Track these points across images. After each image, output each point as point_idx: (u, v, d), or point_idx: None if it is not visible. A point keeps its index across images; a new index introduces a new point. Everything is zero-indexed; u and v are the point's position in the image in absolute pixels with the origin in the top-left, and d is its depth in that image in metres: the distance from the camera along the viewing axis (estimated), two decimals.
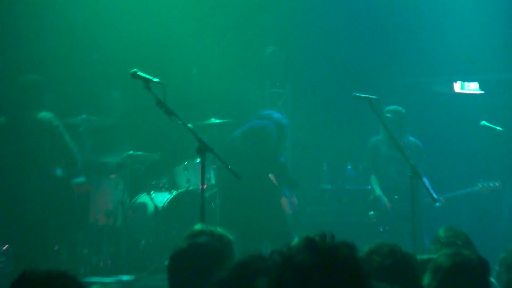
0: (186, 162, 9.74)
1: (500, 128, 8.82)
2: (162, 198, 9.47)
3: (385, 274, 3.37)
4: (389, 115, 8.99)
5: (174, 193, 9.52)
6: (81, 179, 7.57)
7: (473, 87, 11.18)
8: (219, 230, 3.81)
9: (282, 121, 8.90)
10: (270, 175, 8.36)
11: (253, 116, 9.13)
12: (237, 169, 7.44)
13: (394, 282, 3.25)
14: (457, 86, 11.17)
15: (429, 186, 8.29)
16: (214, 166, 9.79)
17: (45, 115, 7.33)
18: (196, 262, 3.57)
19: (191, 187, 9.59)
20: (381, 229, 9.17)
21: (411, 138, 9.46)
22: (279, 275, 2.25)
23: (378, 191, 9.22)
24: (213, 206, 9.65)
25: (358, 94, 7.74)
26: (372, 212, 9.20)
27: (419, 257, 4.21)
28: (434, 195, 8.59)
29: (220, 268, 3.25)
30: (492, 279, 4.25)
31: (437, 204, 9.00)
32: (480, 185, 9.49)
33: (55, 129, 7.32)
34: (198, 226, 3.80)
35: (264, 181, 8.26)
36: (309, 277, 2.22)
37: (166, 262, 8.81)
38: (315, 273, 2.22)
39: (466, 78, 11.16)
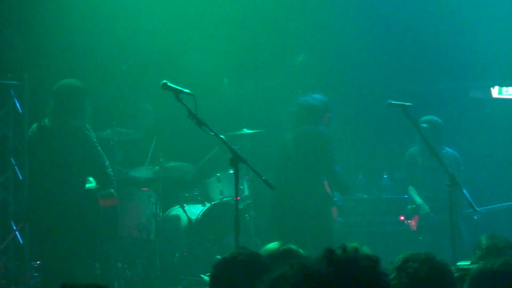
0: (219, 174, 9.68)
1: None
2: (195, 210, 9.42)
3: (422, 281, 3.39)
4: (425, 125, 8.82)
5: (208, 205, 9.46)
6: (109, 191, 7.44)
7: (511, 92, 10.98)
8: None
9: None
10: (324, 182, 8.19)
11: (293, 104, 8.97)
12: (289, 176, 7.41)
13: None
14: (495, 91, 10.97)
15: (469, 197, 8.13)
16: (247, 177, 9.71)
17: (83, 123, 7.24)
18: (238, 272, 3.52)
19: (224, 199, 9.52)
20: (420, 238, 9.02)
21: (448, 149, 9.30)
22: (296, 285, 2.23)
23: (418, 199, 9.07)
24: (247, 217, 9.58)
25: (392, 102, 7.63)
26: (410, 221, 9.06)
27: (458, 263, 4.12)
28: (475, 206, 8.43)
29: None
30: None
31: (475, 217, 8.83)
32: None
33: (91, 139, 7.26)
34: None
35: (317, 188, 8.09)
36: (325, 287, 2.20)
37: (201, 275, 8.81)
38: (332, 283, 2.20)
39: (504, 83, 10.95)
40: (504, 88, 10.96)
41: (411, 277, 3.41)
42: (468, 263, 4.24)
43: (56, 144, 7.11)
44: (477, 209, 8.47)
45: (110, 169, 7.46)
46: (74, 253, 7.05)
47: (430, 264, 3.47)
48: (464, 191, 8.27)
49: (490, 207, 9.21)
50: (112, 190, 7.39)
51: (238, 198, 6.21)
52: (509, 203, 9.33)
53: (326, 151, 8.07)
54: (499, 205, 9.33)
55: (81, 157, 7.15)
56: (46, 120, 7.18)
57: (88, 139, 7.20)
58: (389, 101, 7.64)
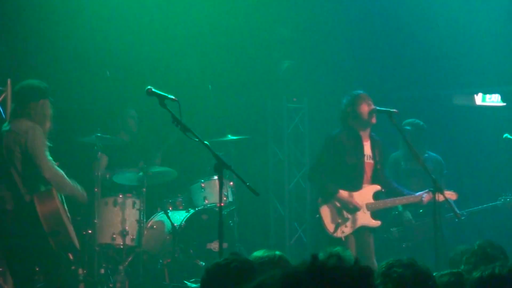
0: (203, 180, 9.66)
1: None
2: (179, 216, 9.40)
3: (407, 285, 3.42)
4: (408, 127, 8.92)
5: (192, 211, 9.43)
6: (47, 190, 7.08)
7: (495, 99, 11.02)
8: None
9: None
10: None
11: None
12: None
13: None
14: (479, 98, 11.01)
15: (451, 201, 8.13)
16: (231, 183, 9.70)
17: (35, 125, 6.97)
18: (231, 278, 3.52)
19: (208, 205, 9.50)
20: (404, 245, 9.02)
21: (431, 153, 9.35)
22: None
23: (400, 207, 9.08)
24: (231, 224, 9.57)
25: (378, 108, 7.68)
26: (394, 228, 9.05)
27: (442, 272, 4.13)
28: (457, 210, 8.43)
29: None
30: None
31: (457, 219, 8.83)
32: (502, 199, 9.33)
33: (37, 139, 6.87)
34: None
35: None
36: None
37: (185, 281, 8.77)
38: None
39: (488, 90, 11.00)
40: (487, 96, 11.01)
41: (396, 282, 3.43)
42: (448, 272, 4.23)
43: (7, 148, 6.88)
44: (458, 213, 8.49)
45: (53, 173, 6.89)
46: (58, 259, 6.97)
47: (414, 269, 3.49)
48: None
49: (470, 209, 9.24)
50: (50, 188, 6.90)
51: (222, 204, 6.19)
52: (490, 204, 9.36)
53: None
54: (480, 207, 9.35)
55: (23, 160, 6.90)
56: (5, 124, 7.04)
57: (34, 139, 6.77)
58: (375, 107, 7.69)
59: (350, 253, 4.63)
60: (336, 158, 7.91)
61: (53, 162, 6.85)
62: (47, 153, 6.80)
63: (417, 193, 8.13)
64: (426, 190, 7.92)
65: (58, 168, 6.87)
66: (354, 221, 7.88)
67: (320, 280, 2.20)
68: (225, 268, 3.55)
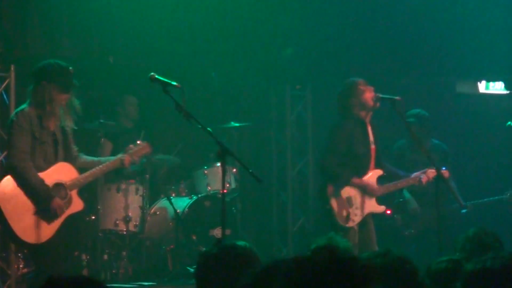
0: (206, 166, 9.68)
1: None
2: (182, 203, 9.41)
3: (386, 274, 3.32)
4: (412, 119, 8.81)
5: (194, 198, 9.45)
6: None
7: (498, 87, 11.00)
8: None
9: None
10: None
11: None
12: None
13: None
14: (482, 86, 10.99)
15: (456, 191, 8.13)
16: (234, 170, 9.71)
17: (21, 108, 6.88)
18: (226, 266, 3.48)
19: (211, 192, 9.52)
20: (406, 233, 9.03)
21: (435, 141, 9.32)
22: (288, 273, 2.30)
23: (406, 194, 9.05)
24: (234, 210, 9.59)
25: (381, 95, 7.65)
26: (398, 216, 9.05)
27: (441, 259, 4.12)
28: (461, 200, 8.44)
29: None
30: None
31: (463, 211, 8.83)
32: (508, 194, 9.28)
33: (10, 124, 6.75)
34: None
35: None
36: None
37: (188, 267, 8.82)
38: (325, 275, 2.25)
39: (491, 78, 10.97)
40: (491, 83, 10.98)
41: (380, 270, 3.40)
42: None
43: None
44: (463, 204, 8.51)
45: (13, 160, 6.65)
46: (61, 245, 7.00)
47: (393, 256, 3.44)
48: (453, 184, 8.30)
49: (475, 201, 9.21)
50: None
51: (225, 191, 6.21)
52: (496, 197, 9.34)
53: None
54: (485, 199, 9.33)
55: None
56: None
57: (11, 125, 6.67)
58: (378, 94, 7.66)
59: (347, 241, 4.59)
60: (346, 148, 7.79)
61: (20, 150, 6.54)
62: (16, 139, 6.56)
63: (413, 175, 8.03)
64: (423, 171, 7.86)
65: (23, 160, 6.55)
66: (362, 208, 7.80)
67: (338, 273, 2.22)
68: (216, 259, 3.51)
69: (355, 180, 7.79)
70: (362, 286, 2.25)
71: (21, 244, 6.97)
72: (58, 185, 6.71)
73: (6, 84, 8.45)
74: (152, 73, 6.02)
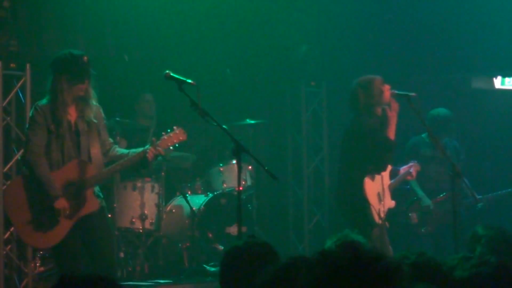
0: (221, 164, 9.68)
1: None
2: (198, 200, 9.42)
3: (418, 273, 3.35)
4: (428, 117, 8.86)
5: (210, 195, 9.45)
6: None
7: None
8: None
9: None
10: None
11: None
12: None
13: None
14: (498, 82, 10.94)
15: (470, 186, 8.11)
16: (250, 167, 9.71)
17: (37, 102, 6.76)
18: (251, 260, 3.51)
19: (227, 189, 9.52)
20: (422, 230, 9.00)
21: (446, 138, 9.29)
22: (312, 267, 2.30)
23: (420, 192, 9.03)
24: (250, 207, 9.59)
25: (396, 91, 7.60)
26: (413, 213, 9.02)
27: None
28: (476, 195, 8.43)
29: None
30: None
31: (479, 205, 8.81)
32: None
33: (29, 119, 6.62)
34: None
35: None
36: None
37: (204, 265, 8.81)
38: (348, 271, 2.25)
39: (507, 74, 10.92)
40: (507, 79, 10.93)
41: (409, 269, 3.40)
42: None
43: None
44: (478, 198, 8.49)
45: (25, 155, 6.49)
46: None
47: (425, 257, 3.47)
48: (466, 180, 8.27)
49: (490, 195, 9.17)
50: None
51: (241, 188, 6.20)
52: (510, 189, 9.29)
53: None
54: (500, 192, 9.29)
55: None
56: None
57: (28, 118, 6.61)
58: (393, 90, 7.62)
59: (362, 238, 4.53)
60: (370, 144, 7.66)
61: (34, 144, 6.36)
62: (31, 134, 6.42)
63: (402, 171, 8.00)
64: (409, 164, 7.84)
65: (35, 155, 6.38)
66: (385, 205, 7.67)
67: (360, 270, 2.21)
68: (246, 252, 3.55)
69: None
70: (385, 285, 2.24)
71: (33, 247, 6.91)
72: (70, 185, 6.39)
73: (22, 83, 8.50)
74: (167, 71, 6.02)
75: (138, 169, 6.77)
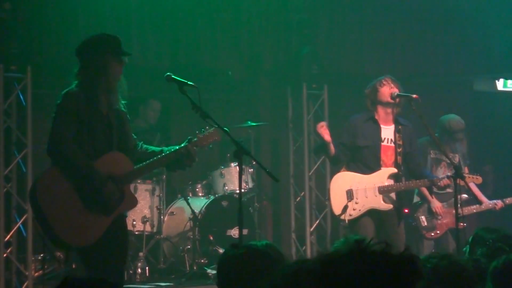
0: (222, 166, 9.67)
1: None
2: (199, 203, 9.41)
3: (440, 276, 3.35)
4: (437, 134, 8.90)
5: (211, 197, 9.44)
6: None
7: None
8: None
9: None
10: None
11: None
12: None
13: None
14: (500, 84, 10.93)
15: (477, 190, 8.11)
16: (251, 170, 9.70)
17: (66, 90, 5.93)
18: (247, 267, 3.40)
19: (228, 192, 9.51)
20: (432, 234, 8.97)
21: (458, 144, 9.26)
22: (318, 274, 2.24)
23: (429, 195, 9.00)
24: (251, 210, 9.57)
25: (398, 93, 7.61)
26: (423, 217, 9.00)
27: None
28: (484, 199, 8.46)
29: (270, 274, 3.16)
30: None
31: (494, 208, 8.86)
32: None
33: (56, 108, 5.75)
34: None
35: None
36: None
37: (205, 268, 8.78)
38: (358, 277, 2.18)
39: (509, 76, 10.91)
40: (509, 81, 10.92)
41: (430, 273, 3.39)
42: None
43: None
44: (486, 202, 8.49)
45: (56, 145, 5.62)
46: None
47: (450, 260, 3.43)
48: (475, 186, 8.27)
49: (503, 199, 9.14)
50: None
51: (242, 190, 6.18)
52: None
53: None
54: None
55: None
56: None
57: (55, 109, 5.72)
58: (395, 92, 7.62)
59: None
60: (350, 141, 7.82)
61: (66, 131, 5.61)
62: (61, 121, 5.66)
63: (435, 177, 7.98)
64: (446, 175, 7.80)
65: (66, 143, 5.60)
66: (363, 204, 7.75)
67: (361, 263, 2.18)
68: (239, 259, 3.47)
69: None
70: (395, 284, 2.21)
71: (65, 246, 5.93)
72: (110, 179, 5.69)
73: (22, 85, 8.48)
74: (168, 73, 5.99)
75: (174, 168, 6.19)
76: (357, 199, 7.74)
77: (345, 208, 7.70)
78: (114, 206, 5.70)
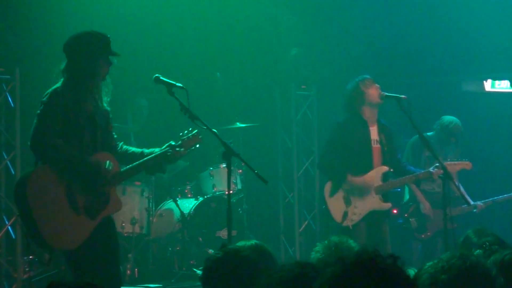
0: (211, 168, 9.67)
1: None
2: (188, 204, 9.41)
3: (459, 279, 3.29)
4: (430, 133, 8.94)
5: (200, 199, 9.44)
6: None
7: (504, 86, 10.97)
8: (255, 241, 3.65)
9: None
10: None
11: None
12: None
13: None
14: (488, 85, 10.96)
15: (463, 191, 8.10)
16: (240, 171, 9.70)
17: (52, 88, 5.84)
18: (231, 272, 3.40)
19: (217, 193, 9.51)
20: (422, 236, 8.98)
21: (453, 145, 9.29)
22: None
23: (419, 196, 9.01)
24: (240, 211, 9.58)
25: (386, 93, 7.64)
26: (413, 218, 9.00)
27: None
28: (470, 200, 8.47)
29: (255, 279, 3.15)
30: None
31: (474, 210, 8.86)
32: None
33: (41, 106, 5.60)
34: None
35: None
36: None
37: (194, 269, 8.78)
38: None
39: (497, 76, 10.94)
40: (497, 82, 10.96)
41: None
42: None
43: None
44: (471, 203, 8.50)
45: (40, 138, 5.46)
46: None
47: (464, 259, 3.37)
48: (461, 186, 8.28)
49: (486, 200, 9.15)
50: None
51: (231, 192, 6.18)
52: (506, 195, 9.27)
53: None
54: (496, 197, 9.27)
55: None
56: None
57: (39, 107, 5.59)
58: (383, 92, 7.64)
59: (353, 242, 4.51)
60: (344, 145, 7.79)
61: (51, 127, 5.48)
62: (45, 117, 5.51)
63: (421, 172, 7.95)
64: (435, 165, 7.75)
65: (52, 138, 5.47)
66: (363, 207, 7.74)
67: (370, 275, 2.20)
68: (218, 263, 3.43)
69: (351, 177, 7.75)
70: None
71: (47, 248, 5.66)
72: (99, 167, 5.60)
73: (11, 87, 8.46)
74: (156, 75, 5.98)
75: (154, 171, 6.04)
76: (355, 203, 7.73)
77: (345, 214, 7.68)
78: (99, 209, 5.63)
